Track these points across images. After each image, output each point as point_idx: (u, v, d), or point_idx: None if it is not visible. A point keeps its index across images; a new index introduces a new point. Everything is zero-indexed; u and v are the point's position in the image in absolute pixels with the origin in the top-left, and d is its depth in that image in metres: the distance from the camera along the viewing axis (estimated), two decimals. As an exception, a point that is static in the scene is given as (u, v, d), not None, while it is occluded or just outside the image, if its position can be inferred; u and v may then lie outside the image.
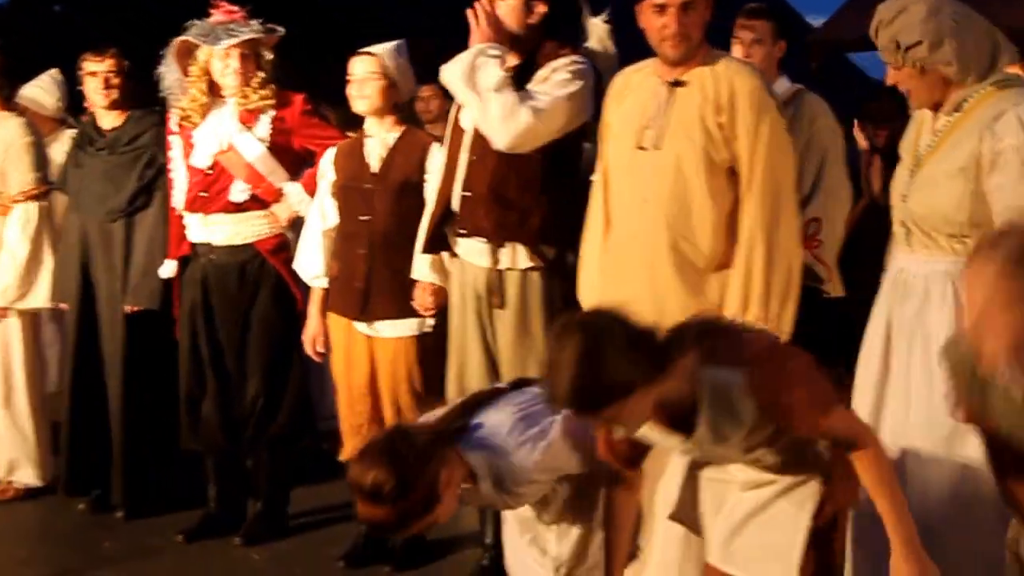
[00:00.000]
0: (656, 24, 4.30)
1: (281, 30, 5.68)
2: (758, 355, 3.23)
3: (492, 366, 5.01)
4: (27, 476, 6.43)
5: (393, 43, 5.37)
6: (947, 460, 3.90)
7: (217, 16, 5.63)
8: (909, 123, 4.28)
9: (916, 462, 3.98)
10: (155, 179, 5.97)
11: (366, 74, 5.32)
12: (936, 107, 4.06)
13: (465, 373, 5.07)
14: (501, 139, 4.71)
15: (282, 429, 5.73)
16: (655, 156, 4.34)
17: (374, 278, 5.27)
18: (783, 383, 3.17)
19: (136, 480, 6.06)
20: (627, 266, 4.39)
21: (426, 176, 5.26)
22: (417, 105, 7.27)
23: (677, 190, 4.31)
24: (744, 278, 4.30)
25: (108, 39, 6.21)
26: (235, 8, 5.64)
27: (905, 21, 3.96)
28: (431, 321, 5.26)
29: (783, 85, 5.33)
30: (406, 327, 5.29)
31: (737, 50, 5.28)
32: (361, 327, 5.33)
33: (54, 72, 7.07)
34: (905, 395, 4.03)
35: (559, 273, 4.88)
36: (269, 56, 5.68)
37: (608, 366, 3.00)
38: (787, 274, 4.30)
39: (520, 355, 4.92)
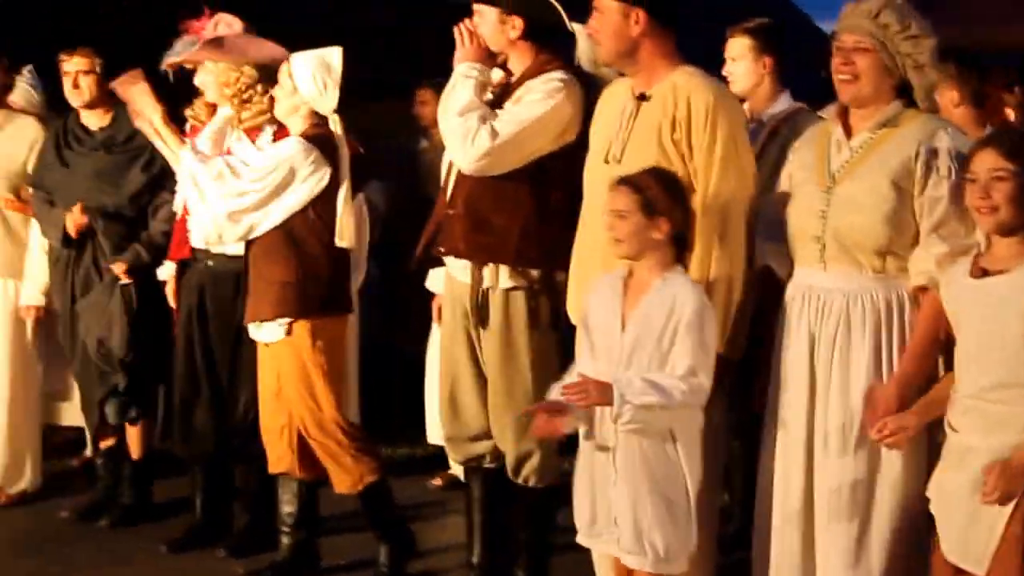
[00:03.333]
0: None
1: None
2: None
3: (484, 383, 5.10)
4: (17, 482, 6.54)
5: None
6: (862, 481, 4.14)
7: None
8: (798, 140, 4.48)
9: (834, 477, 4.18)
10: (161, 178, 6.03)
11: None
12: (845, 118, 4.22)
13: (457, 388, 5.19)
14: (462, 163, 4.87)
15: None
16: (615, 170, 4.45)
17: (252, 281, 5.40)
18: None
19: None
20: (590, 280, 4.49)
21: None
22: (415, 109, 7.32)
23: None
24: None
25: (96, 34, 6.18)
26: (195, 23, 5.79)
27: (906, 8, 4.13)
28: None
29: (782, 104, 5.40)
30: (271, 332, 5.37)
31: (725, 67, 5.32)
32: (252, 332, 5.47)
33: (30, 68, 7.09)
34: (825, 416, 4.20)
35: (546, 292, 4.97)
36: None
37: None
38: (727, 295, 4.40)
39: (506, 377, 5.01)
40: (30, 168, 6.37)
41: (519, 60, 5.00)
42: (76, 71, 6.11)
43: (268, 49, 5.72)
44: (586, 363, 4.29)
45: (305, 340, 5.28)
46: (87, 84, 6.12)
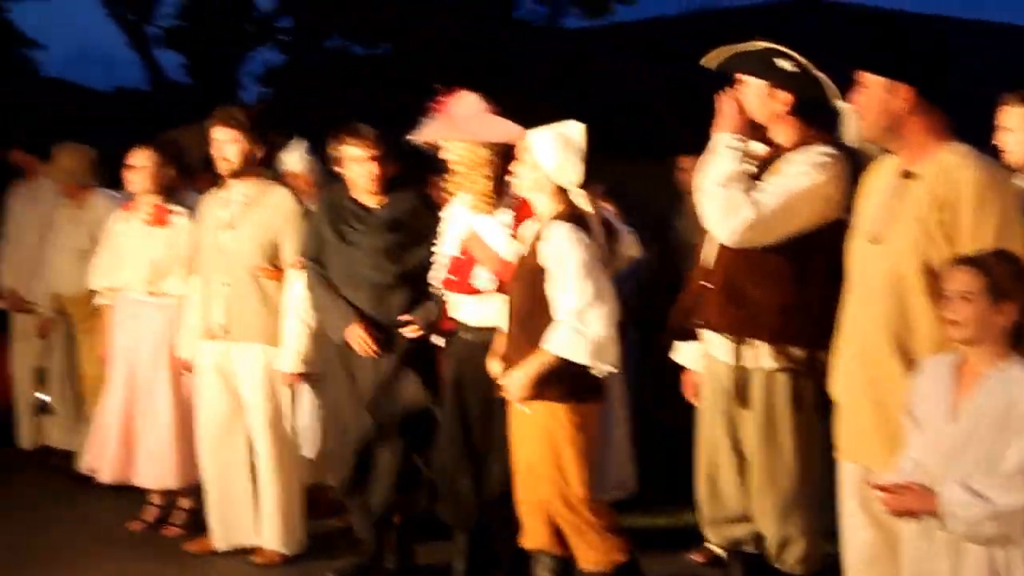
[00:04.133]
0: None
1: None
2: None
3: (744, 464, 5.06)
4: (284, 543, 6.73)
5: None
6: None
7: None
8: None
9: None
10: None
11: None
12: None
13: (716, 470, 5.16)
14: (722, 234, 4.84)
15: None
16: (877, 250, 4.40)
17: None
18: None
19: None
20: (851, 361, 4.46)
21: None
22: (675, 175, 7.32)
23: (894, 286, 4.34)
24: None
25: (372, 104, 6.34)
26: (441, 100, 5.95)
27: None
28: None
29: None
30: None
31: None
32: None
33: (306, 145, 7.28)
34: None
35: (810, 374, 4.89)
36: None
37: None
38: None
39: (768, 460, 4.94)
40: (284, 239, 6.55)
41: (784, 134, 4.97)
42: (363, 157, 6.22)
43: (497, 128, 5.83)
44: (913, 455, 4.17)
45: (555, 419, 5.30)
46: (373, 170, 6.21)
